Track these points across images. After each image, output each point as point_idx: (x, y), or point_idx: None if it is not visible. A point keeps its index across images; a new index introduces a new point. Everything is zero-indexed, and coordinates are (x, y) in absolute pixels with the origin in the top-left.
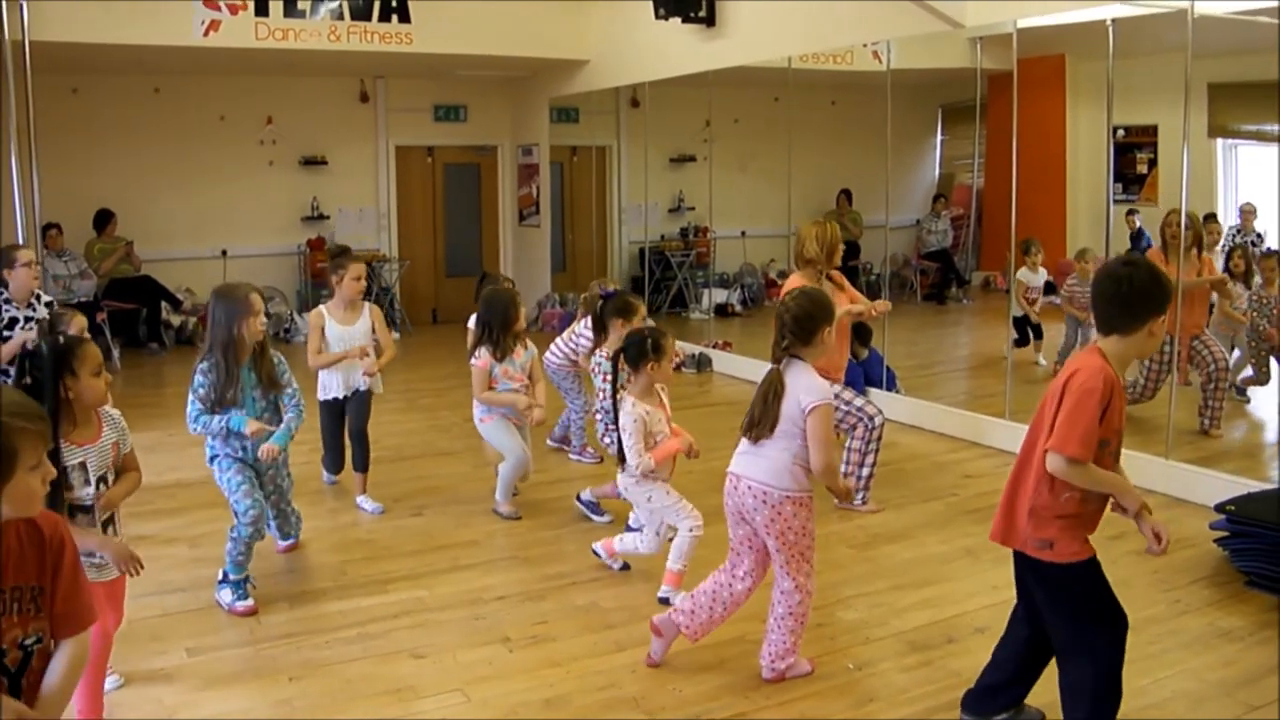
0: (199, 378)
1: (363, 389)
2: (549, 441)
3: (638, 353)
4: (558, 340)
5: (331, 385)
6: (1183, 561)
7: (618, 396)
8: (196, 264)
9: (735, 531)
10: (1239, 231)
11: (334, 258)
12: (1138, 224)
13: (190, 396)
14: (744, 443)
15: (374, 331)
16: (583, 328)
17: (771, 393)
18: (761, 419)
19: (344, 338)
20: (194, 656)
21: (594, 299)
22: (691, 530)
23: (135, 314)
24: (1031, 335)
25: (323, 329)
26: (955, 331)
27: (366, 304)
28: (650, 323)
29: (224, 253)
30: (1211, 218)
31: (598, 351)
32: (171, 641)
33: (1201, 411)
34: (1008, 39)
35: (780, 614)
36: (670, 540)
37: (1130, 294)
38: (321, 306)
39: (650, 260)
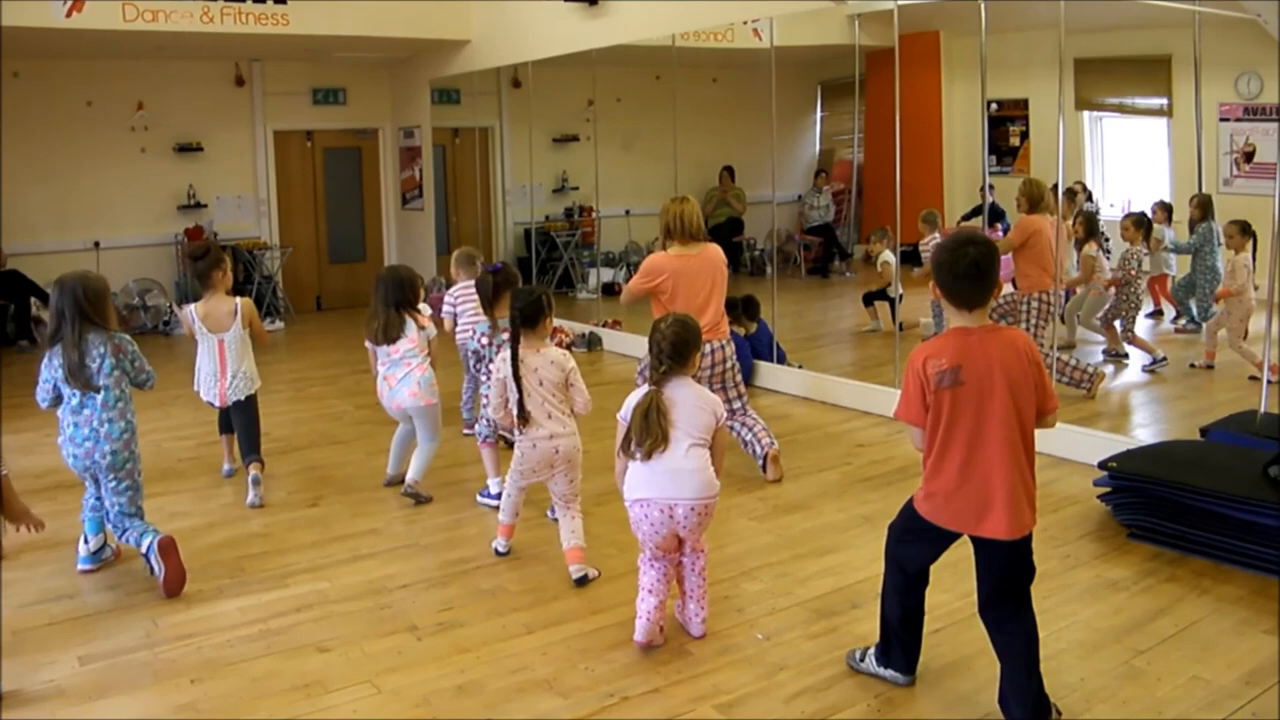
0: None
1: (242, 399)
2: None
3: (536, 309)
4: (459, 318)
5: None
6: (1070, 518)
7: (519, 354)
8: (67, 257)
9: (655, 546)
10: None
11: (202, 256)
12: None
13: None
14: (642, 467)
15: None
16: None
17: (655, 410)
18: (648, 434)
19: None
20: (86, 665)
21: (484, 278)
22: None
23: (3, 310)
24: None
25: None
26: (840, 304)
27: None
28: None
29: (96, 244)
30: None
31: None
32: (60, 651)
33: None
34: (886, 16)
35: (701, 582)
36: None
37: (989, 270)
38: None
39: (536, 241)
